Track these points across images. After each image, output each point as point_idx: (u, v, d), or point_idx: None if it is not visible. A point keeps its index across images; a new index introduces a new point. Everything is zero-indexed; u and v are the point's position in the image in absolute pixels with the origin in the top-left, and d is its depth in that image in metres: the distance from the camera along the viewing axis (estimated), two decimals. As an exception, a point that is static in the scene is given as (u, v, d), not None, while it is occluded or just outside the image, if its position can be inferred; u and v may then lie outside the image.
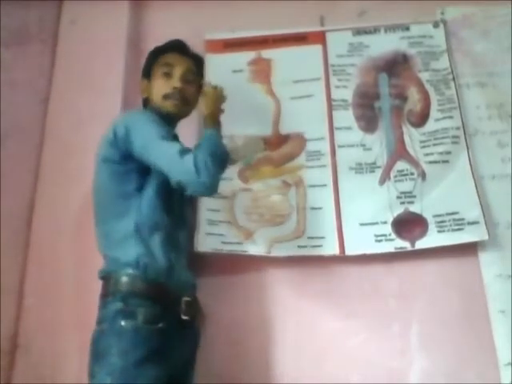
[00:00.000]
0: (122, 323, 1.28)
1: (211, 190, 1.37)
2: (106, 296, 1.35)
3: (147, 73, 1.63)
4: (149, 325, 1.29)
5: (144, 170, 1.42)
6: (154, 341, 1.29)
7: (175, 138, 1.51)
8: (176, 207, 1.50)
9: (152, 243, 1.38)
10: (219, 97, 1.57)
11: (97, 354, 1.29)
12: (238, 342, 1.72)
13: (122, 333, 1.27)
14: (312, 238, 1.76)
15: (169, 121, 1.55)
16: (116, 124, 1.45)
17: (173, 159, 1.34)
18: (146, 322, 1.29)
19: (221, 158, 1.39)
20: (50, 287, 1.75)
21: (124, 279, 1.33)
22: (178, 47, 1.62)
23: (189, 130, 1.73)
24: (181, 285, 1.41)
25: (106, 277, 1.38)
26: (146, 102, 1.62)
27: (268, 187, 1.85)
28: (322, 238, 1.76)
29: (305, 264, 1.76)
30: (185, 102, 1.57)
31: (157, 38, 2.05)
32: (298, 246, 1.75)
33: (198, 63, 1.67)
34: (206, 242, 1.74)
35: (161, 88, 1.56)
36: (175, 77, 1.56)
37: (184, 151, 1.35)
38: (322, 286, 1.75)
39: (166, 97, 1.54)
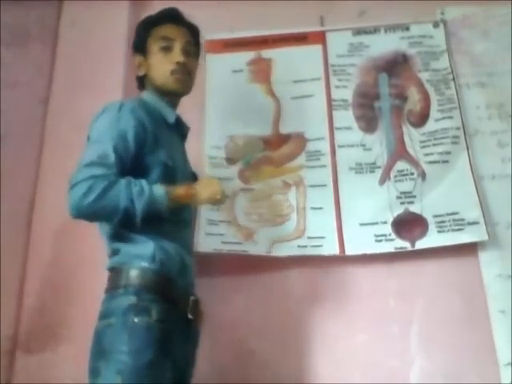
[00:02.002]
0: (136, 320, 1.20)
1: (76, 215, 1.23)
2: (115, 289, 1.27)
3: (141, 47, 1.49)
4: (161, 323, 1.23)
5: (138, 168, 1.33)
6: (164, 339, 1.23)
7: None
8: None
9: (165, 239, 1.33)
10: (217, 199, 1.37)
11: (102, 350, 1.20)
12: (239, 341, 1.72)
13: (135, 330, 1.20)
14: (312, 237, 1.76)
15: (171, 100, 1.48)
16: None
17: (84, 161, 1.26)
18: (159, 320, 1.23)
19: (118, 212, 1.23)
20: (49, 287, 1.75)
21: (136, 272, 1.26)
22: (173, 18, 1.51)
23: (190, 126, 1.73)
24: (190, 283, 1.39)
25: (116, 269, 1.30)
26: (142, 80, 1.51)
27: (268, 187, 1.85)
28: (322, 237, 1.76)
29: (305, 264, 1.76)
30: (189, 76, 1.49)
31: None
32: (298, 246, 1.76)
33: (194, 32, 1.57)
34: (206, 241, 1.74)
35: (162, 64, 1.44)
36: (176, 51, 1.45)
37: (101, 168, 1.23)
38: (322, 286, 1.75)
39: (173, 73, 1.43)
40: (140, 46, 1.51)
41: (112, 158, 1.26)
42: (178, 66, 1.44)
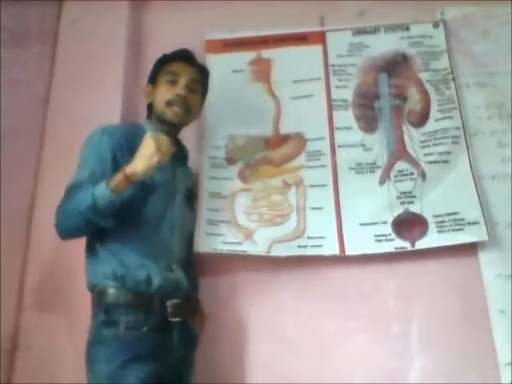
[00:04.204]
0: (105, 331, 1.33)
1: (62, 239, 1.43)
2: (93, 308, 1.40)
3: (153, 79, 1.63)
4: (131, 330, 1.33)
5: None
6: (139, 345, 1.33)
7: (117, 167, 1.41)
8: (159, 207, 1.49)
9: (124, 253, 1.39)
10: (154, 159, 1.33)
11: (88, 363, 1.35)
12: (238, 342, 1.72)
13: (106, 341, 1.33)
14: (312, 237, 1.76)
15: (170, 128, 1.56)
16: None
17: (66, 187, 1.40)
18: (128, 329, 1.33)
19: (80, 223, 1.36)
20: (49, 287, 1.75)
21: (106, 291, 1.37)
22: (184, 56, 1.63)
23: (190, 126, 1.73)
24: (165, 290, 1.41)
25: (92, 289, 1.42)
26: (150, 107, 1.63)
27: (268, 187, 1.85)
28: (322, 237, 1.76)
29: (305, 264, 1.76)
30: (187, 110, 1.57)
31: (157, 38, 2.06)
32: (298, 246, 1.75)
33: (203, 73, 1.67)
34: (205, 241, 1.74)
35: (164, 94, 1.56)
36: (179, 85, 1.57)
37: (73, 191, 1.38)
38: (322, 286, 1.75)
39: (168, 103, 1.55)
40: (152, 77, 1.65)
41: (86, 181, 1.38)
42: (177, 97, 1.55)
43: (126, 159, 1.37)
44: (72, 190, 1.38)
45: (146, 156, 1.32)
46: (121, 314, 1.34)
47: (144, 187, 1.40)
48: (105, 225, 1.35)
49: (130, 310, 1.35)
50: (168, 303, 1.39)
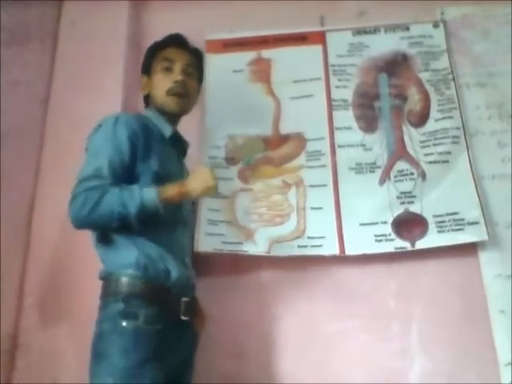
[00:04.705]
0: (124, 324, 1.27)
1: (77, 227, 1.34)
2: (106, 297, 1.35)
3: (147, 69, 1.60)
4: (150, 325, 1.29)
5: (131, 176, 1.40)
6: (154, 341, 1.29)
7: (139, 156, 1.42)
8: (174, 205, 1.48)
9: (149, 243, 1.37)
10: (210, 187, 1.39)
11: (97, 355, 1.29)
12: (238, 341, 1.72)
13: (124, 333, 1.27)
14: (312, 237, 1.76)
15: (171, 118, 1.55)
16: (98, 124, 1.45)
17: (81, 175, 1.34)
18: (147, 323, 1.28)
19: (113, 218, 1.31)
20: (49, 287, 1.75)
21: (124, 280, 1.32)
22: (177, 41, 1.59)
23: (190, 126, 1.73)
24: (180, 285, 1.41)
25: (106, 278, 1.37)
26: (147, 99, 1.60)
27: (268, 187, 1.85)
28: (322, 237, 1.76)
29: (305, 264, 1.76)
30: (186, 96, 1.55)
31: (157, 38, 2.05)
32: (298, 246, 1.75)
33: (197, 56, 1.65)
34: (206, 241, 1.74)
35: (162, 83, 1.53)
36: (176, 71, 1.54)
37: (96, 180, 1.31)
38: (322, 286, 1.75)
39: (169, 92, 1.52)
40: (146, 67, 1.61)
41: (106, 169, 1.34)
42: (175, 84, 1.52)
43: (142, 149, 1.39)
44: (90, 179, 1.32)
45: (204, 181, 1.37)
46: (139, 307, 1.30)
47: (163, 180, 1.39)
48: (135, 226, 1.33)
49: (148, 302, 1.31)
50: (182, 301, 1.38)
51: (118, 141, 1.38)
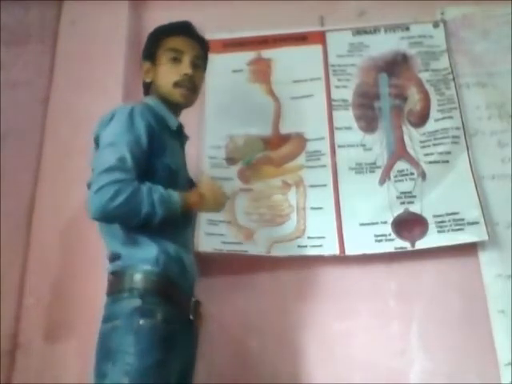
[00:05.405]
0: (141, 321, 1.22)
1: (99, 217, 1.27)
2: (119, 292, 1.28)
3: (150, 55, 1.51)
4: (167, 324, 1.25)
5: (145, 171, 1.35)
6: (170, 341, 1.24)
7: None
8: None
9: (167, 241, 1.34)
10: (221, 207, 1.47)
11: (108, 352, 1.22)
12: (239, 341, 1.72)
13: (140, 331, 1.21)
14: (312, 237, 1.76)
15: (174, 109, 1.50)
16: (110, 113, 1.39)
17: (104, 165, 1.26)
18: (164, 322, 1.24)
19: (139, 217, 1.27)
20: (49, 287, 1.75)
21: (140, 276, 1.27)
22: (185, 30, 1.52)
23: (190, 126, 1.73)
24: (191, 285, 1.40)
25: (119, 272, 1.31)
26: (148, 86, 1.52)
27: (268, 187, 1.85)
28: (322, 237, 1.76)
29: (305, 264, 1.76)
30: (194, 89, 1.50)
31: (157, 38, 2.04)
32: (298, 246, 1.76)
33: (204, 46, 1.58)
34: (206, 241, 1.74)
35: (169, 74, 1.46)
36: (185, 62, 1.47)
37: (123, 172, 1.26)
38: (322, 286, 1.75)
39: (176, 84, 1.46)
40: (149, 54, 1.52)
41: (130, 162, 1.28)
42: (184, 77, 1.46)
43: (157, 141, 1.36)
44: (115, 170, 1.25)
45: (218, 204, 1.44)
46: (156, 304, 1.25)
47: (174, 175, 1.39)
48: (153, 226, 1.30)
49: (165, 300, 1.27)
50: (192, 301, 1.36)
51: (137, 131, 1.33)
